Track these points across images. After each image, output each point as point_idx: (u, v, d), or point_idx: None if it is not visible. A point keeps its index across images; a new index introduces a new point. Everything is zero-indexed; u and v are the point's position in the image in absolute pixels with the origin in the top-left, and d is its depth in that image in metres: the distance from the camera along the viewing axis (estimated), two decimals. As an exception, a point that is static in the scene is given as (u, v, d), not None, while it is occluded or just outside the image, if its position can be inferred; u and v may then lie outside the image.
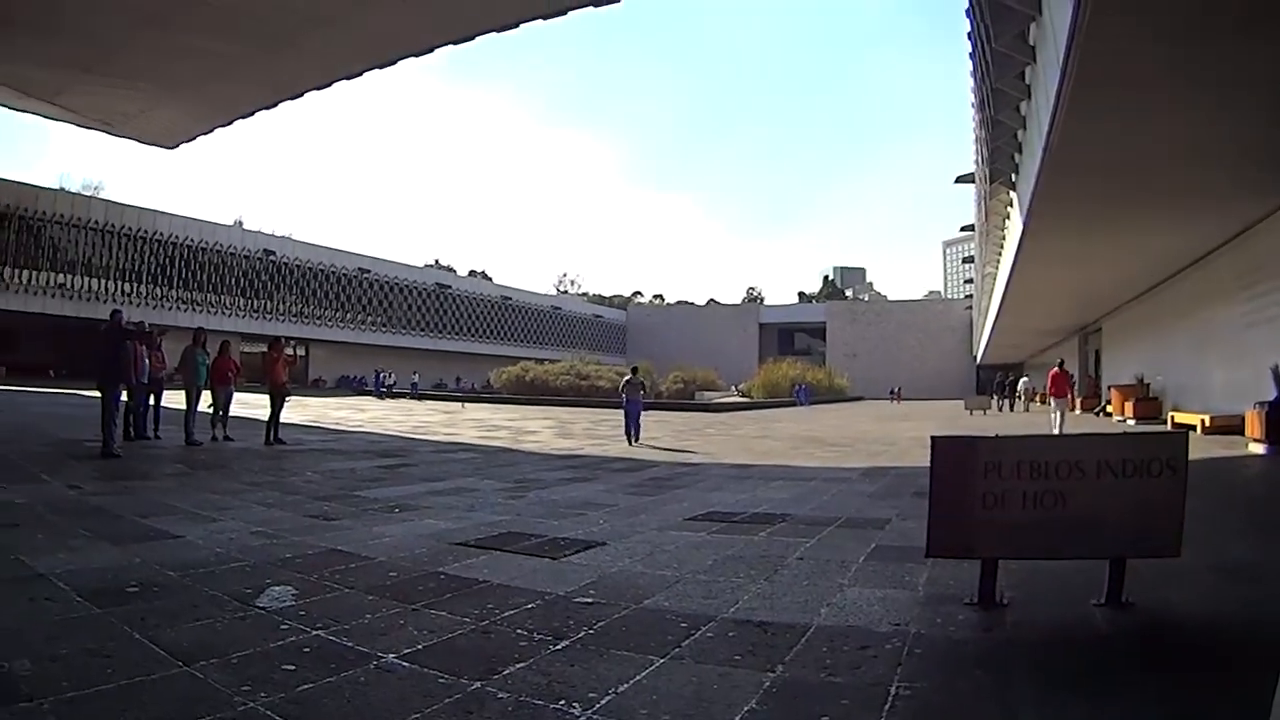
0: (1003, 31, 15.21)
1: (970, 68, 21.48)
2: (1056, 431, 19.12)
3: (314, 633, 4.16)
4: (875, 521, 7.94)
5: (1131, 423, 25.10)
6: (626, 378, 20.44)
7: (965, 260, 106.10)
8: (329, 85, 29.06)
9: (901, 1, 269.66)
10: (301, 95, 30.01)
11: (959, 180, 39.25)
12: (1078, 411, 35.23)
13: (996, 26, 15.28)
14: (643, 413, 19.70)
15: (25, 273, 49.44)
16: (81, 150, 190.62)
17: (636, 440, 18.51)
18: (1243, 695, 3.25)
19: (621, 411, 19.40)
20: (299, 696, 3.32)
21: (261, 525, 7.19)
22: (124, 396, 13.32)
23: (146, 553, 5.93)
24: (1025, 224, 20.20)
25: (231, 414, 15.98)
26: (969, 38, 18.94)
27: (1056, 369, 22.26)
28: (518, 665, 3.76)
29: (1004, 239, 29.31)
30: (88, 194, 64.60)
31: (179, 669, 3.56)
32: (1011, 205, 23.83)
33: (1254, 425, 15.59)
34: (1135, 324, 32.28)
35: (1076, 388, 33.43)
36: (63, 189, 62.25)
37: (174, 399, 15.51)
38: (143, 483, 10.09)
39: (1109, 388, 32.49)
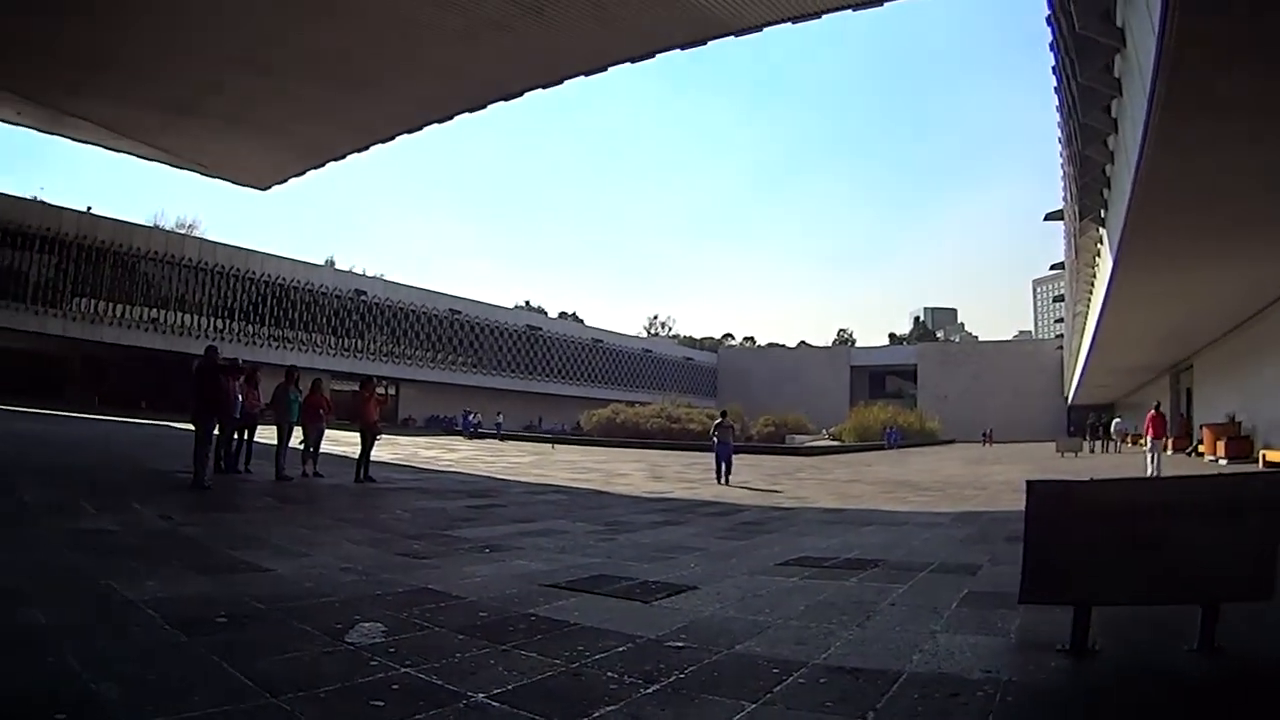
0: (1087, 65, 15.06)
1: (1056, 102, 21.25)
2: (1153, 473, 18.95)
3: (403, 670, 4.18)
4: (967, 567, 7.83)
5: (1223, 462, 24.25)
6: (718, 420, 21.19)
7: (1056, 299, 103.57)
8: (420, 128, 29.81)
9: (987, 36, 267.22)
10: (393, 138, 30.83)
11: (1048, 217, 38.60)
12: (1169, 452, 34.11)
13: (1081, 60, 15.14)
14: (734, 455, 20.43)
15: (120, 307, 51.51)
16: (177, 190, 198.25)
17: (727, 481, 19.04)
18: None
19: (713, 454, 20.02)
20: None
21: (351, 561, 7.29)
22: (216, 430, 13.56)
23: (236, 584, 6.08)
24: (1116, 260, 19.79)
25: (322, 451, 16.12)
26: (1054, 72, 18.77)
27: (1154, 411, 21.74)
28: (608, 708, 3.75)
29: (1094, 276, 28.66)
30: (181, 232, 67.42)
31: (265, 700, 3.62)
32: (1101, 242, 23.37)
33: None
34: (1227, 360, 31.20)
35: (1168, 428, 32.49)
36: (157, 226, 64.88)
37: (266, 435, 15.82)
38: (233, 515, 10.34)
39: (1200, 427, 31.36)
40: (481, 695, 3.84)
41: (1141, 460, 22.26)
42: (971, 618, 5.69)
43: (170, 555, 7.03)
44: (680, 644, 4.93)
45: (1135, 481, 4.87)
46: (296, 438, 15.66)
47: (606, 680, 4.17)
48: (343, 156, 33.12)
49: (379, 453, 17.42)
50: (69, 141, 34.84)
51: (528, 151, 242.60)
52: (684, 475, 22.06)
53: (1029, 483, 4.83)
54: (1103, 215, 20.97)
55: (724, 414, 22.29)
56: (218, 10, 21.25)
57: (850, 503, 15.22)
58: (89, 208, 53.23)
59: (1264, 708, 3.87)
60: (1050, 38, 17.10)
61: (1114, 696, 4.09)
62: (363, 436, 15.83)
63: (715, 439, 20.44)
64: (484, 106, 27.87)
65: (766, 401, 64.82)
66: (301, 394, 16.05)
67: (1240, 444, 25.24)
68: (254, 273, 58.96)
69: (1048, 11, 16.16)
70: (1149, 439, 21.72)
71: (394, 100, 27.06)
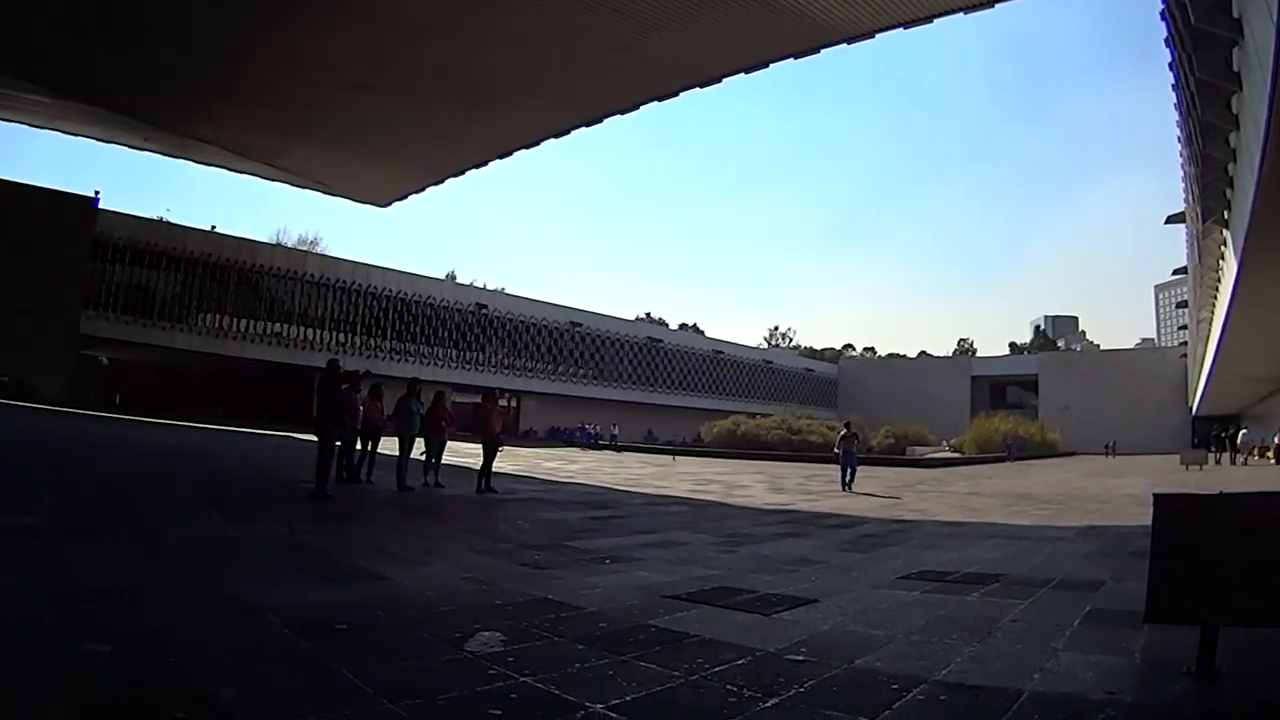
0: (1205, 59, 14.63)
1: (1175, 100, 20.67)
2: None
3: (521, 679, 4.20)
4: (1090, 583, 7.66)
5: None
6: (842, 432, 22.71)
7: (1179, 305, 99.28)
8: (538, 144, 30.41)
9: (1101, 34, 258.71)
10: (510, 154, 31.45)
11: (1169, 220, 37.36)
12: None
13: (1198, 54, 14.73)
14: (857, 466, 21.65)
15: (243, 321, 53.55)
16: (301, 208, 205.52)
17: (850, 488, 20.43)
18: None
19: (837, 465, 21.35)
20: None
21: (472, 571, 7.38)
22: (339, 441, 13.84)
23: (356, 592, 6.24)
24: (1241, 263, 19.09)
25: (444, 462, 16.32)
26: (1171, 69, 18.27)
27: None
28: None
29: (1219, 281, 27.59)
30: (303, 248, 70.24)
31: (384, 706, 3.68)
32: (1225, 245, 22.51)
33: None
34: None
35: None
36: (279, 244, 67.50)
37: (389, 446, 16.04)
38: (355, 524, 10.66)
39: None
40: (599, 705, 3.86)
41: (1269, 474, 21.49)
42: (1094, 636, 5.58)
43: (292, 563, 7.28)
44: (799, 657, 4.91)
45: (1270, 496, 4.69)
46: (418, 449, 15.85)
47: (725, 693, 4.17)
48: (462, 173, 33.88)
49: (500, 464, 17.45)
50: (193, 164, 36.46)
51: (644, 164, 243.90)
52: (805, 487, 21.96)
53: (1156, 496, 4.73)
54: (1226, 216, 20.28)
55: (848, 425, 23.72)
56: (338, 31, 22.12)
57: (971, 515, 15.03)
58: (213, 226, 55.89)
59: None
60: (1165, 33, 16.65)
61: (1238, 720, 3.96)
62: (484, 448, 15.84)
63: (840, 450, 21.72)
64: (600, 120, 28.40)
65: (886, 412, 63.68)
66: (424, 406, 16.24)
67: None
68: (375, 287, 60.39)
69: (1161, 6, 15.75)
70: None
71: (512, 118, 27.64)
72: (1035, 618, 6.19)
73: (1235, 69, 14.12)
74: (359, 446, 15.82)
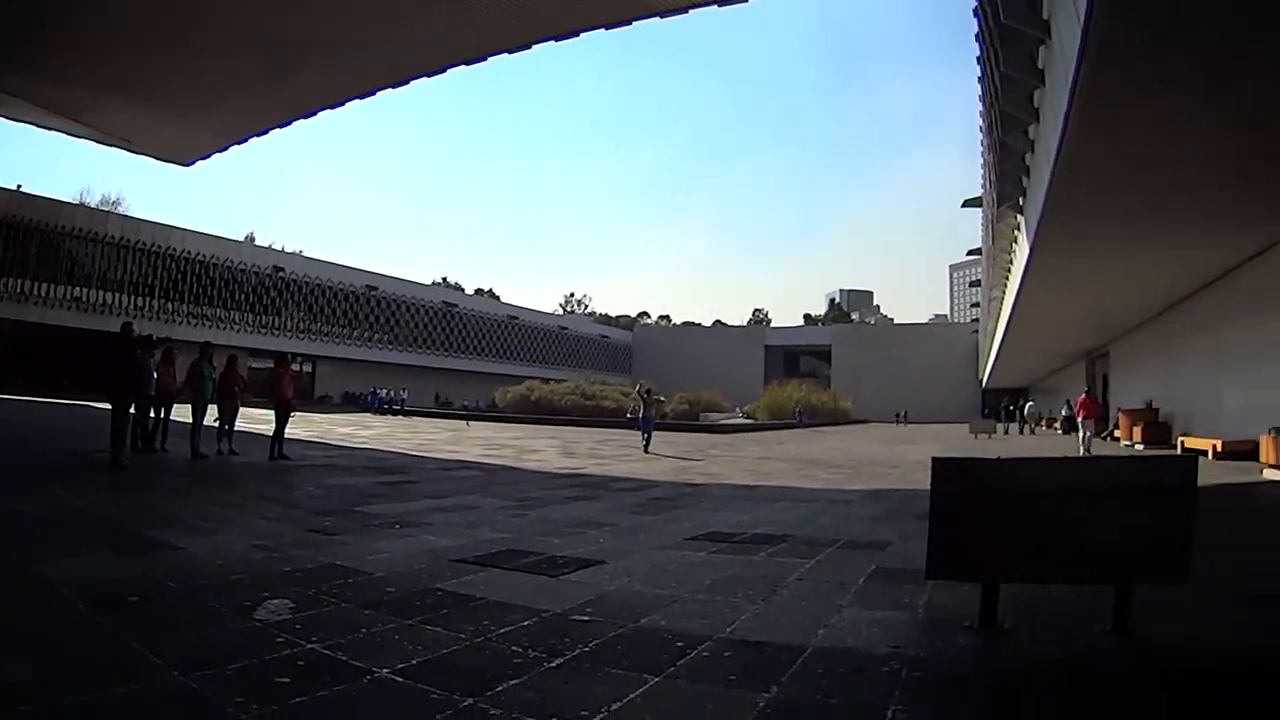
0: (1012, 55, 15.28)
1: (979, 91, 21.59)
2: (1084, 452, 21.48)
3: (309, 646, 4.15)
4: (876, 543, 7.87)
5: (1140, 447, 25.12)
6: (644, 397, 24.36)
7: (972, 284, 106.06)
8: (342, 104, 29.65)
9: (911, 24, 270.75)
10: (315, 114, 30.71)
11: (966, 204, 39.49)
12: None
13: (1005, 50, 15.36)
14: (653, 430, 23.33)
15: (44, 286, 50.40)
16: (102, 166, 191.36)
17: (648, 450, 21.80)
18: None
19: (631, 430, 22.87)
20: (291, 709, 3.31)
21: (263, 539, 7.20)
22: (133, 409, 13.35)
23: (149, 563, 5.99)
24: (1032, 247, 20.21)
25: (237, 428, 16.03)
26: (979, 62, 19.04)
27: (1085, 395, 24.57)
28: (511, 682, 3.73)
29: (1011, 262, 29.31)
30: (105, 209, 66.00)
31: (174, 678, 3.58)
32: (1019, 229, 23.88)
33: (1269, 451, 15.48)
34: (1144, 348, 32.19)
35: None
36: (82, 204, 63.28)
37: (183, 413, 15.57)
38: (148, 494, 10.31)
39: (1118, 411, 32.36)
40: (385, 670, 3.83)
41: (1053, 443, 23.31)
42: (879, 593, 5.69)
43: (84, 535, 6.98)
44: (585, 618, 4.93)
45: (1044, 461, 4.88)
46: (211, 415, 15.46)
47: (511, 654, 4.16)
48: (265, 131, 32.86)
49: (293, 430, 17.25)
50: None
51: (447, 127, 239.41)
52: (597, 452, 22.27)
53: (934, 459, 4.81)
54: (1021, 202, 21.40)
55: (648, 391, 24.95)
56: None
57: (761, 479, 15.37)
58: (19, 186, 52.00)
59: (1173, 689, 3.89)
60: (976, 28, 17.31)
61: (1021, 674, 4.10)
62: (277, 414, 15.71)
63: (640, 414, 23.70)
64: (406, 83, 27.76)
65: (681, 379, 64.78)
66: (216, 371, 15.81)
67: (1158, 429, 26.11)
68: (174, 249, 57.69)
69: (975, 3, 16.35)
70: (1081, 420, 23.85)
71: (320, 77, 26.78)
72: (821, 576, 6.30)
73: (1040, 66, 14.81)
74: (151, 414, 15.19)
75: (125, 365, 12.76)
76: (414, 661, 3.98)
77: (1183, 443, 21.90)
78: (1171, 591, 4.68)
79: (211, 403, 15.50)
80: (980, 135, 26.76)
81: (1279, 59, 9.51)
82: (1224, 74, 10.27)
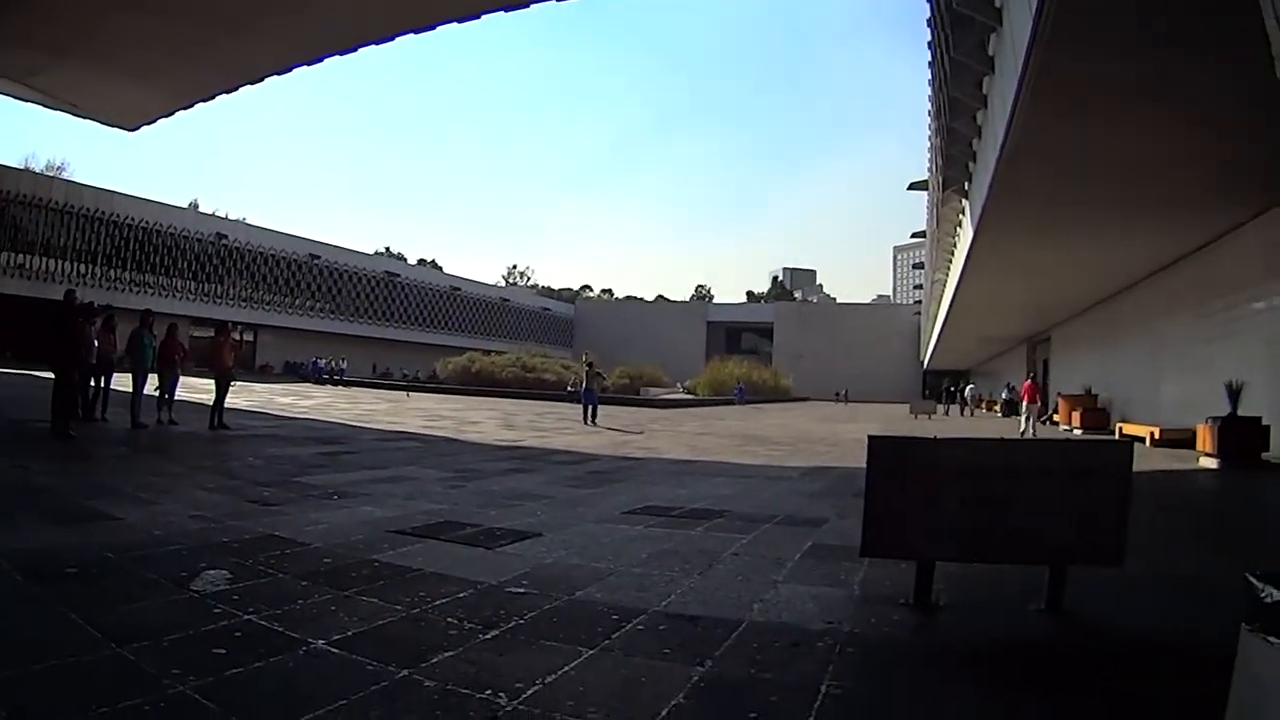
0: (962, 41, 15.36)
1: (929, 76, 21.73)
2: (1028, 434, 22.62)
3: (245, 617, 4.13)
4: (813, 520, 7.92)
5: (1078, 432, 25.64)
6: (587, 370, 24.73)
7: (916, 266, 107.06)
8: (289, 70, 29.23)
9: (863, 6, 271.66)
10: (261, 80, 30.32)
11: (912, 186, 39.79)
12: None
13: (956, 36, 15.44)
14: (598, 403, 24.00)
15: None
16: (47, 132, 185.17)
17: (593, 422, 22.55)
18: (1188, 706, 3.28)
19: (571, 403, 23.10)
20: (227, 680, 3.29)
21: (201, 509, 7.12)
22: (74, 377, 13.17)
23: (87, 534, 5.90)
24: (976, 231, 20.43)
25: (177, 398, 15.85)
26: (929, 47, 19.15)
27: (1030, 380, 25.91)
28: (446, 654, 3.73)
29: (955, 246, 29.65)
30: (50, 174, 63.89)
31: (111, 650, 3.54)
32: (964, 213, 24.12)
33: (1206, 439, 15.86)
34: (1085, 335, 32.89)
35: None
36: (27, 169, 61.33)
37: (122, 381, 15.33)
38: (87, 464, 10.14)
39: (1057, 395, 33.00)
40: (321, 642, 3.82)
41: (992, 425, 23.97)
42: (815, 570, 5.73)
43: (24, 506, 6.85)
44: (521, 590, 4.94)
45: (981, 442, 4.94)
46: (152, 384, 15.21)
47: (446, 626, 4.17)
48: (212, 97, 32.34)
49: (234, 399, 17.19)
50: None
51: (394, 97, 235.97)
52: (536, 424, 22.36)
53: (871, 437, 4.84)
54: (966, 187, 21.63)
55: (591, 364, 25.25)
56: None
57: (700, 455, 15.42)
58: None
59: (1107, 664, 3.96)
60: (928, 13, 17.40)
61: (954, 650, 4.14)
62: (217, 383, 15.64)
63: (582, 387, 24.12)
64: (354, 49, 27.34)
65: (623, 354, 64.56)
66: (157, 339, 15.54)
67: (1096, 415, 26.69)
68: (118, 216, 56.10)
69: (928, -10, 16.42)
70: (1025, 404, 24.58)
71: (265, 42, 26.24)
72: (758, 552, 6.33)
73: (990, 54, 14.92)
74: (92, 382, 14.94)
75: (70, 334, 12.62)
76: (350, 633, 3.97)
77: (1121, 429, 22.42)
78: (1106, 574, 4.77)
79: (152, 371, 15.27)
80: (928, 119, 26.99)
81: (1223, 56, 9.64)
82: (1170, 70, 10.42)
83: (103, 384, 15.32)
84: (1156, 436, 19.55)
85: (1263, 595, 1.96)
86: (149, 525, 6.28)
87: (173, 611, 4.16)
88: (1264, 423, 15.23)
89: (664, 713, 3.15)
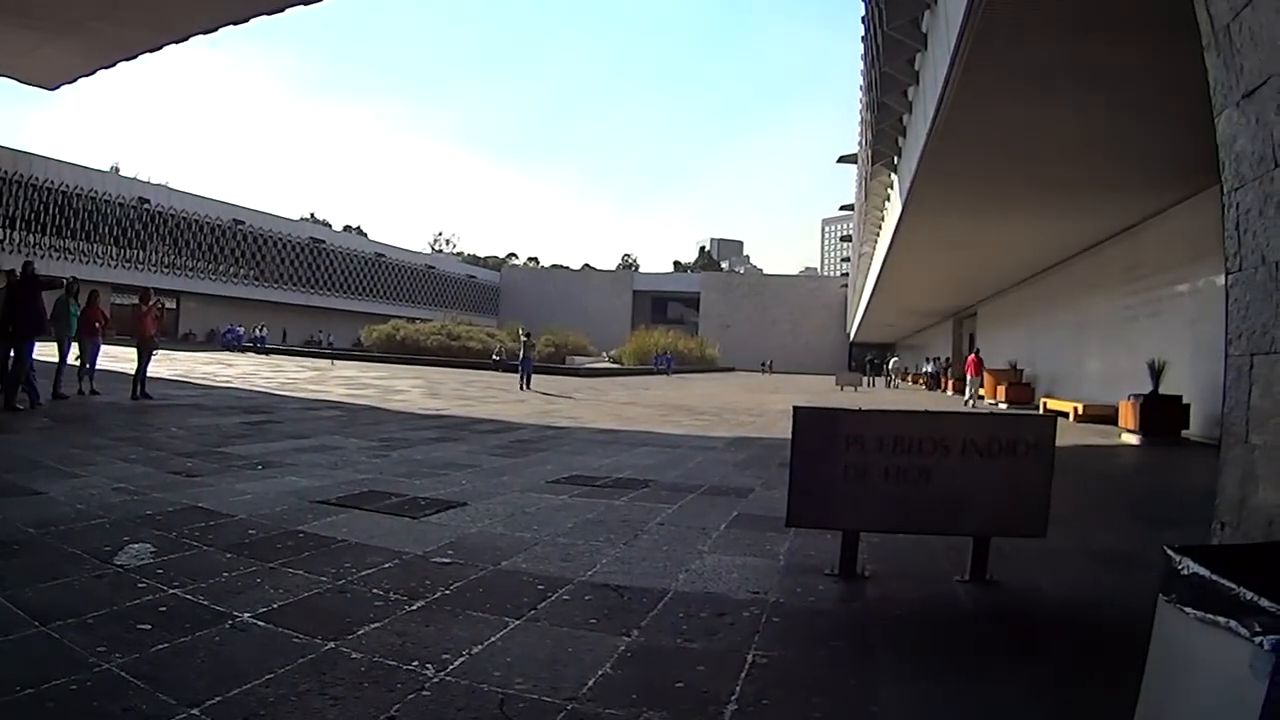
0: (896, 17, 15.41)
1: (862, 50, 21.79)
2: (971, 406, 24.88)
3: (170, 591, 4.06)
4: (739, 490, 7.99)
5: (1003, 406, 26.13)
6: (524, 340, 27.57)
7: (844, 239, 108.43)
8: (215, 29, 28.27)
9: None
10: (187, 39, 29.15)
11: (842, 160, 40.05)
12: (949, 393, 36.58)
13: (890, 12, 15.49)
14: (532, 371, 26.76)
15: None
16: None
17: (528, 388, 25.02)
18: (1106, 674, 3.36)
19: (496, 371, 24.74)
20: (153, 657, 3.23)
21: (123, 481, 6.96)
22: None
23: (5, 509, 5.72)
24: (904, 206, 20.62)
25: (99, 367, 15.49)
26: (863, 21, 19.17)
27: (974, 355, 27.82)
28: (372, 625, 3.72)
29: (883, 220, 29.95)
30: None
31: (34, 629, 3.46)
32: (892, 187, 24.33)
33: (1128, 416, 16.21)
34: (1011, 310, 33.58)
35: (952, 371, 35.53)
36: None
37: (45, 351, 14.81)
38: (5, 437, 9.77)
39: (982, 368, 33.69)
40: (247, 615, 3.79)
41: (916, 397, 24.59)
42: (740, 540, 5.76)
43: None
44: (446, 560, 4.93)
45: (905, 414, 4.97)
46: (74, 354, 14.80)
47: (372, 597, 4.15)
48: (135, 56, 30.92)
49: (156, 369, 16.80)
50: None
51: (323, 57, 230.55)
52: (461, 393, 22.38)
53: (796, 408, 4.88)
54: (895, 162, 21.78)
55: (528, 334, 28.27)
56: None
57: (625, 424, 15.50)
58: None
59: (1028, 634, 4.05)
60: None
61: (879, 620, 4.20)
62: (139, 352, 15.26)
63: (521, 355, 26.92)
64: (282, 10, 26.42)
65: (548, 322, 64.14)
66: (80, 307, 15.06)
67: (1021, 390, 27.22)
68: (37, 179, 53.74)
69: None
70: (969, 377, 26.31)
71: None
72: (683, 522, 6.36)
73: (923, 30, 14.99)
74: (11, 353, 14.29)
75: (32, 306, 12.54)
76: (275, 605, 3.93)
77: (1045, 404, 22.94)
78: (1030, 545, 4.87)
79: (75, 340, 14.84)
80: (860, 94, 27.13)
81: (1143, 42, 9.83)
82: (1094, 53, 10.58)
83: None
84: (1080, 412, 19.96)
85: (1179, 567, 2.00)
86: (70, 499, 6.12)
87: (96, 587, 4.09)
88: (1184, 401, 15.65)
89: (591, 683, 3.14)
